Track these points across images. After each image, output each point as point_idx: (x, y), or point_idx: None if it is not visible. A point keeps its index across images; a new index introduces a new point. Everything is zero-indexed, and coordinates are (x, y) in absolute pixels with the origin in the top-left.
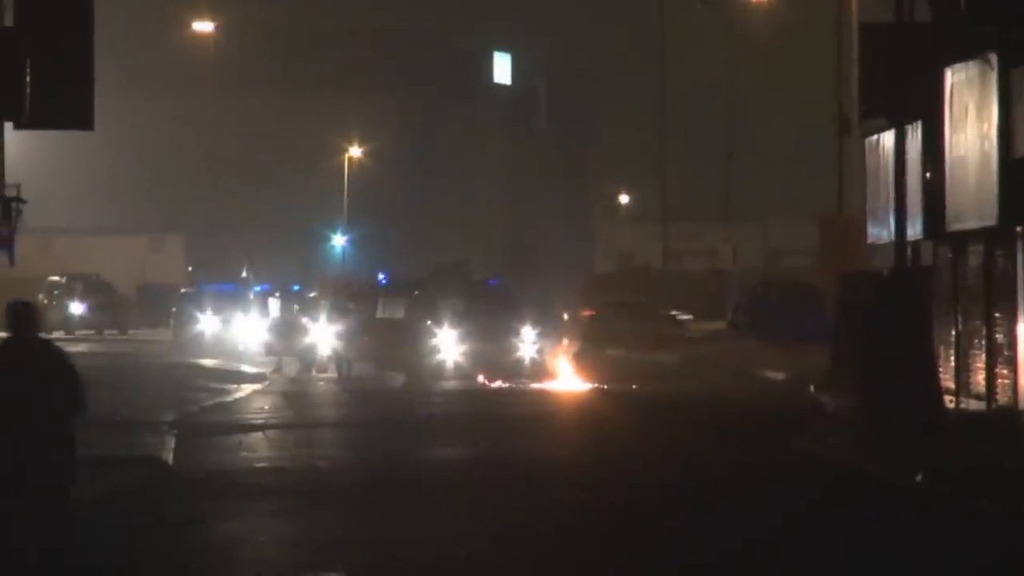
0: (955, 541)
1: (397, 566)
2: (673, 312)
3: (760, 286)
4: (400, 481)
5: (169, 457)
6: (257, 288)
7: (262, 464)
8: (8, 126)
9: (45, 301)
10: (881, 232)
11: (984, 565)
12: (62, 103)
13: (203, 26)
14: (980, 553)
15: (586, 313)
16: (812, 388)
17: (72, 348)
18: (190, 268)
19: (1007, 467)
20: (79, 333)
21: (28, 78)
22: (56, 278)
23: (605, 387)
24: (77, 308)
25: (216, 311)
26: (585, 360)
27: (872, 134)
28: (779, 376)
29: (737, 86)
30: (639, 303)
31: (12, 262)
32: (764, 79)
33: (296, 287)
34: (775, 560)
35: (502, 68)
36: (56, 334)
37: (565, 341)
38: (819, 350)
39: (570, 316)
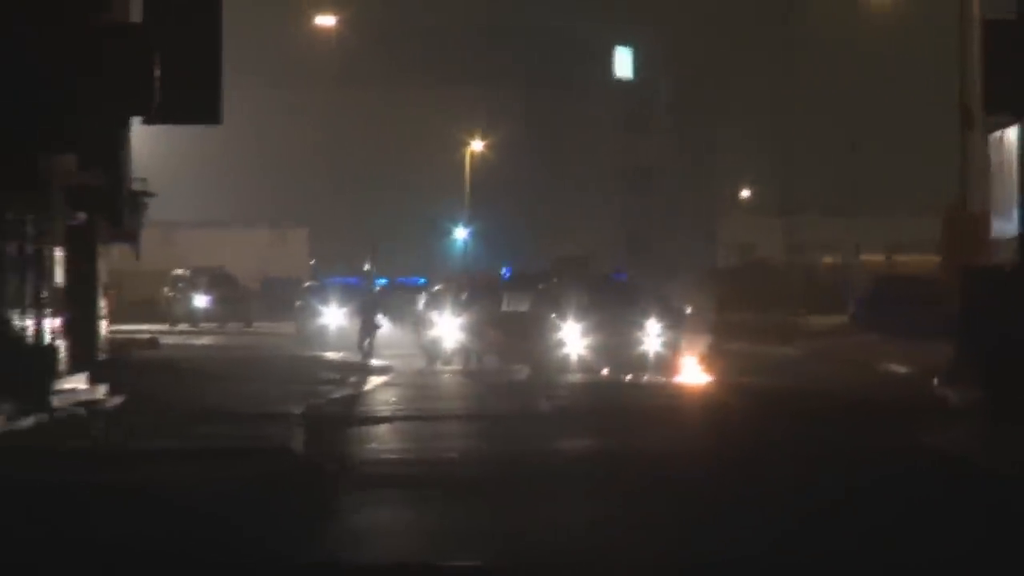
0: None
1: (531, 554)
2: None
3: (882, 280)
4: (528, 472)
5: (299, 448)
6: (381, 281)
7: (391, 455)
8: (135, 120)
9: (170, 294)
10: (1005, 227)
11: None
12: (190, 98)
13: (325, 20)
14: None
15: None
16: (936, 382)
17: (196, 341)
18: (312, 261)
19: None
20: (203, 326)
21: (157, 73)
22: (181, 271)
23: (729, 381)
24: (201, 301)
25: (340, 304)
26: (708, 354)
27: (996, 130)
28: (902, 369)
29: (860, 80)
30: (759, 296)
31: (138, 255)
32: (887, 73)
33: (422, 280)
34: (902, 541)
35: (623, 62)
36: (180, 326)
37: (688, 335)
38: (942, 345)
39: (693, 310)
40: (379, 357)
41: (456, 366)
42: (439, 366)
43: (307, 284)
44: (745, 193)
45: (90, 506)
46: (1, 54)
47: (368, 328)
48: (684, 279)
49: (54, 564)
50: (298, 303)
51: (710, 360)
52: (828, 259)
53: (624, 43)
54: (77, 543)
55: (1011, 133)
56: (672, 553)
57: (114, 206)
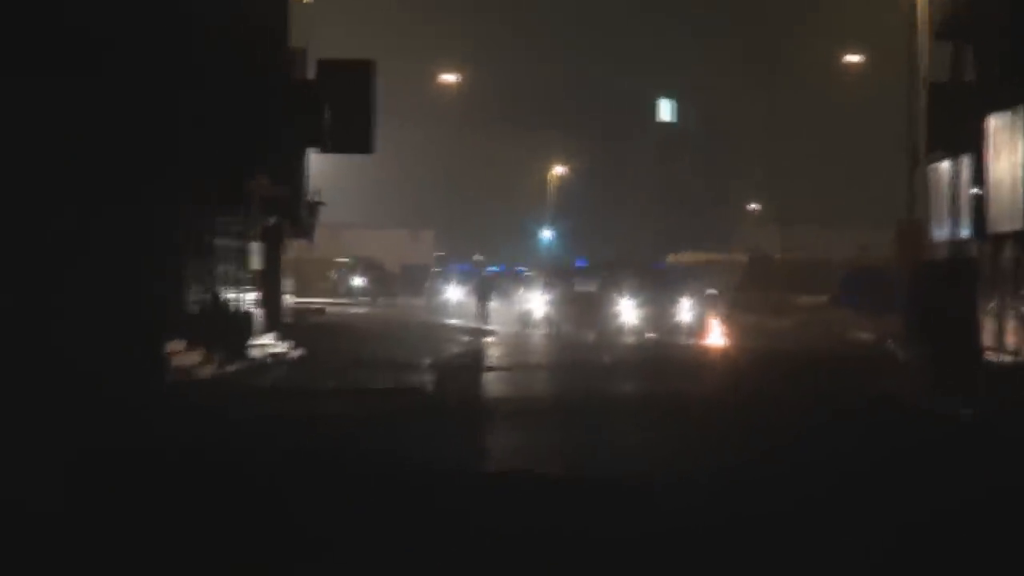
0: (981, 452)
1: (594, 463)
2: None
3: (853, 270)
4: (595, 407)
5: (429, 388)
6: (492, 268)
7: (495, 394)
8: (311, 153)
9: (335, 276)
10: (941, 233)
11: (1005, 465)
12: (350, 134)
13: (448, 77)
14: (1000, 459)
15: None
16: (889, 343)
17: (353, 310)
18: (436, 253)
19: None
20: (359, 299)
21: (328, 116)
22: (343, 259)
23: (739, 344)
24: (358, 281)
25: (457, 284)
26: (725, 323)
27: (935, 162)
28: (866, 336)
29: (835, 122)
30: (763, 282)
31: (312, 248)
32: (855, 116)
33: (522, 269)
34: (861, 454)
35: (665, 109)
36: (342, 300)
37: (710, 309)
38: (895, 317)
39: (714, 291)
40: (488, 323)
41: (543, 331)
42: (530, 330)
43: (434, 270)
44: (752, 206)
45: (280, 427)
46: (220, 102)
47: (484, 302)
48: (712, 269)
49: (258, 465)
50: (427, 284)
51: (726, 328)
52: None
53: (666, 95)
54: (266, 449)
55: (944, 165)
56: (691, 463)
57: (296, 212)
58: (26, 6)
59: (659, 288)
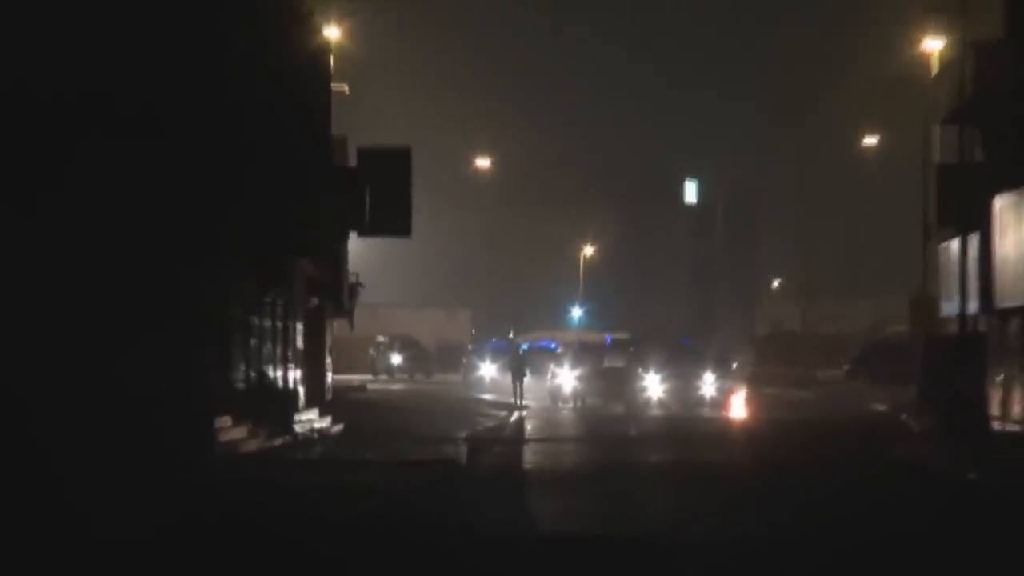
0: (988, 511)
1: (628, 527)
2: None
3: (869, 344)
4: (623, 476)
5: (463, 460)
6: (525, 346)
7: (528, 464)
8: (352, 234)
9: (374, 353)
10: (950, 307)
11: (1008, 525)
12: (390, 218)
13: (483, 161)
14: (1006, 518)
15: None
16: (904, 416)
17: (392, 387)
18: (473, 331)
19: None
20: (397, 376)
21: (368, 201)
22: (382, 338)
23: (762, 416)
24: (396, 359)
25: (492, 361)
26: (750, 396)
27: (944, 240)
28: (882, 407)
29: (856, 203)
30: (785, 356)
31: (352, 327)
32: (874, 197)
33: (554, 345)
34: (877, 516)
35: (690, 191)
36: (381, 376)
37: (735, 382)
38: (909, 389)
39: (739, 365)
40: (521, 399)
41: (572, 405)
42: (560, 405)
43: (470, 347)
44: (775, 283)
45: (321, 495)
46: (268, 188)
47: (518, 378)
48: (733, 343)
49: (305, 534)
50: (464, 360)
51: (750, 400)
52: (833, 329)
53: (690, 176)
54: (313, 519)
55: (954, 243)
56: (718, 527)
57: (337, 294)
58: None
59: (685, 363)
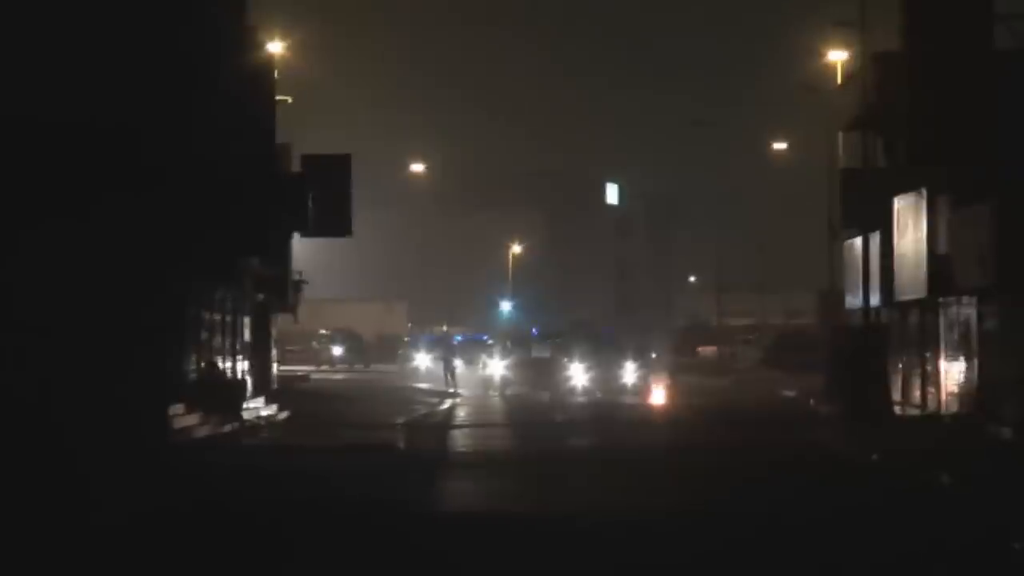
0: (888, 491)
1: (550, 508)
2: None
3: (781, 336)
4: (550, 459)
5: (402, 445)
6: (458, 338)
7: (461, 448)
8: (296, 235)
9: (316, 346)
10: (854, 301)
11: (901, 501)
12: (331, 220)
13: (417, 167)
14: (901, 496)
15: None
16: (812, 401)
17: (334, 376)
18: (409, 324)
19: (930, 449)
20: (338, 367)
21: (311, 204)
22: (324, 331)
23: (680, 402)
24: (337, 350)
25: (428, 351)
26: (669, 384)
27: (848, 239)
28: (792, 393)
29: (765, 202)
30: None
31: (296, 321)
32: (783, 197)
33: (485, 336)
34: (779, 490)
35: (612, 193)
36: (323, 367)
37: (654, 371)
38: (817, 377)
39: (658, 355)
40: (453, 387)
41: (502, 393)
42: (491, 393)
43: (406, 339)
44: (692, 278)
45: (271, 479)
46: (219, 195)
47: (449, 368)
48: (653, 335)
49: (252, 511)
50: (400, 352)
51: (669, 388)
52: (746, 322)
53: (612, 180)
54: (266, 501)
55: (857, 242)
56: (641, 505)
57: (282, 290)
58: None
59: (607, 353)
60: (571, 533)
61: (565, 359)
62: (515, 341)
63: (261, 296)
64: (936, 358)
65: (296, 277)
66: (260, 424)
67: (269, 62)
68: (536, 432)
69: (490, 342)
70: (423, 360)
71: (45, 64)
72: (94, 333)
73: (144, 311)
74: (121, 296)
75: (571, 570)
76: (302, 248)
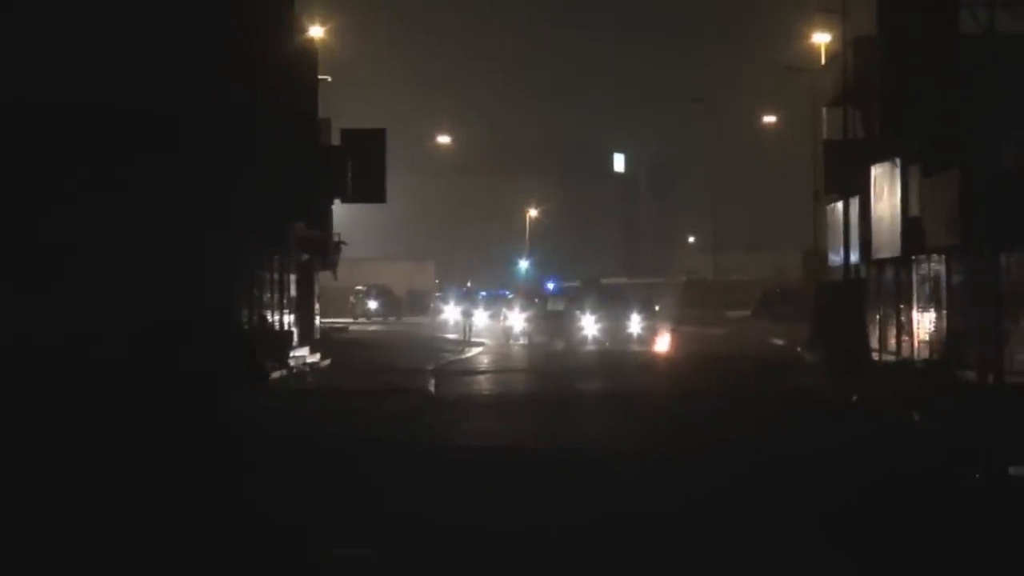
0: (864, 427)
1: (564, 444)
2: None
3: (770, 289)
4: (562, 401)
5: (432, 389)
6: (482, 293)
7: (485, 392)
8: (336, 201)
9: (354, 300)
10: (836, 259)
11: (878, 441)
12: (367, 187)
13: (443, 138)
14: (878, 436)
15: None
16: (799, 349)
17: (369, 328)
18: (437, 280)
19: (903, 390)
20: (373, 319)
21: (349, 174)
22: (360, 287)
23: (681, 350)
24: (372, 304)
25: (456, 305)
26: (671, 333)
27: (830, 203)
28: (780, 342)
29: (758, 168)
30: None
31: (336, 278)
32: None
33: (507, 292)
34: (769, 430)
35: (618, 162)
36: (360, 320)
37: (658, 322)
38: (802, 327)
39: (661, 307)
40: (478, 337)
41: (521, 342)
42: (511, 342)
43: (436, 294)
44: (691, 239)
45: (319, 418)
46: (270, 166)
47: (468, 317)
48: (656, 289)
49: (301, 449)
50: (431, 305)
51: (671, 337)
52: (740, 278)
53: (618, 150)
54: (317, 437)
55: (839, 206)
56: (649, 444)
57: (324, 250)
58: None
59: (615, 306)
60: (578, 463)
61: (577, 312)
62: (533, 296)
63: (305, 256)
64: (909, 310)
65: (336, 239)
66: (305, 370)
67: (312, 45)
68: (551, 377)
69: (510, 296)
70: (452, 312)
71: (114, 50)
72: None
73: (212, 267)
74: (185, 256)
75: (573, 490)
76: (341, 213)
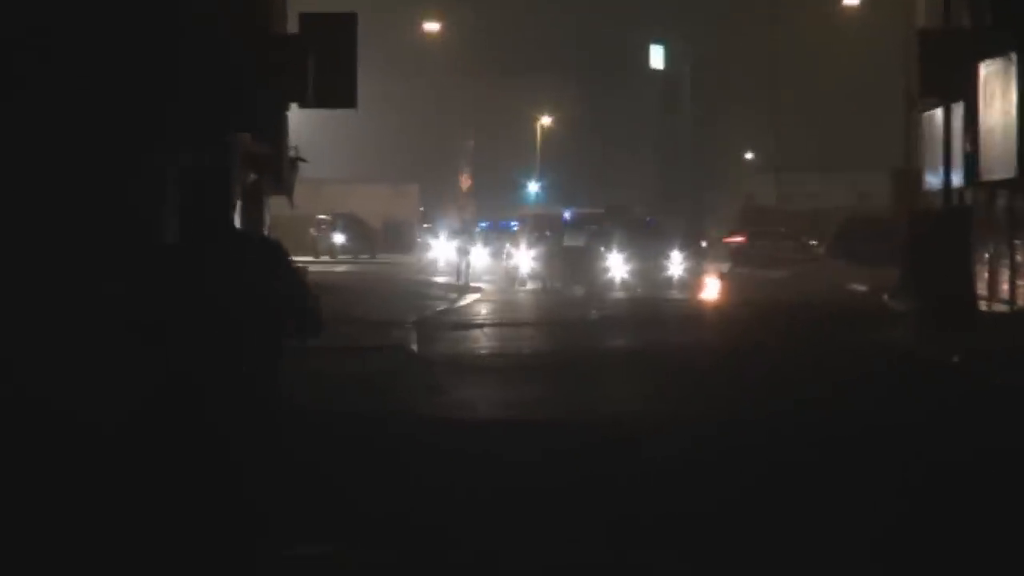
0: (967, 395)
1: (581, 417)
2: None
3: (849, 221)
4: (580, 361)
5: (414, 346)
6: (482, 224)
7: (482, 351)
8: (294, 106)
9: (315, 233)
10: (934, 181)
11: (978, 406)
12: (333, 89)
13: (431, 25)
14: (982, 400)
15: (725, 240)
16: (886, 296)
17: (336, 268)
18: (422, 209)
19: (1020, 351)
20: (340, 257)
21: (310, 71)
22: (323, 216)
23: (731, 298)
24: (339, 238)
25: (448, 240)
26: (719, 277)
27: (928, 110)
28: (862, 288)
29: (833, 69)
30: (764, 233)
31: (292, 205)
32: (853, 64)
33: (513, 224)
34: (854, 397)
35: (656, 56)
36: (323, 258)
37: (706, 262)
38: (890, 269)
39: (708, 243)
40: (476, 281)
41: (529, 287)
42: (517, 287)
43: (422, 227)
44: (748, 155)
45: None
46: (200, 61)
47: (463, 256)
48: (703, 221)
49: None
50: (416, 240)
51: (720, 282)
52: (810, 205)
53: (656, 41)
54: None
55: (938, 113)
56: (683, 414)
57: (277, 169)
58: None
59: (650, 242)
60: (595, 444)
61: (602, 248)
62: (545, 228)
63: (253, 176)
64: None
65: (293, 154)
66: None
67: None
68: (567, 332)
69: (516, 229)
70: (443, 250)
71: None
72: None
73: (116, 195)
74: (94, 180)
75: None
76: (300, 121)
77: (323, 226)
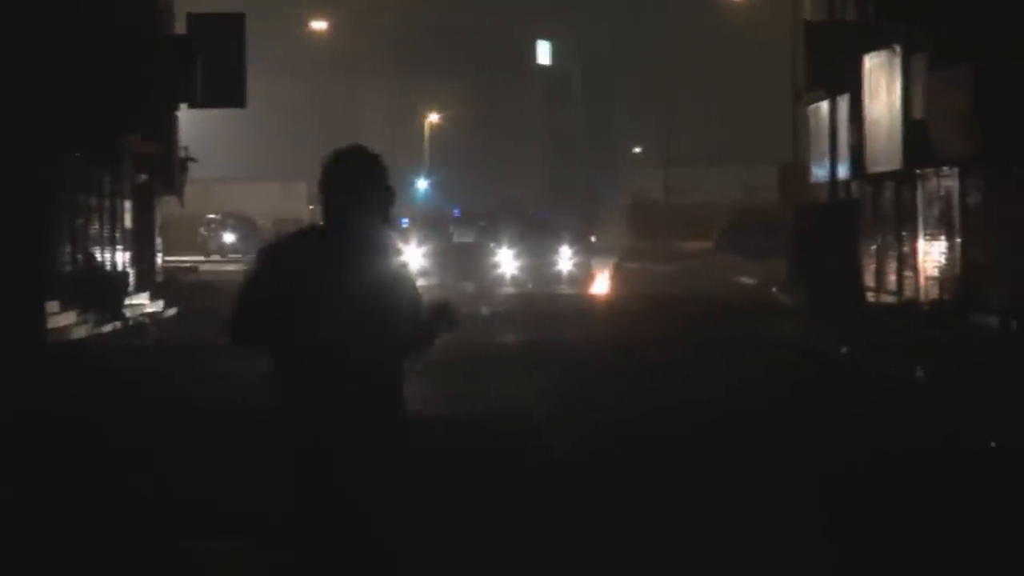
0: (855, 386)
1: (477, 408)
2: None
3: (737, 215)
4: (473, 357)
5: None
6: None
7: None
8: (183, 106)
9: (205, 233)
10: (821, 173)
11: (869, 399)
12: (222, 89)
13: (319, 24)
14: (872, 393)
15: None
16: (774, 289)
17: (225, 268)
18: (311, 207)
19: (907, 341)
20: (230, 256)
21: (199, 71)
22: (213, 216)
23: (620, 292)
24: (228, 238)
25: None
26: (609, 271)
27: (814, 103)
28: (750, 281)
29: (720, 64)
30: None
31: (182, 204)
32: (739, 58)
33: (404, 221)
34: (745, 391)
35: (543, 52)
36: (213, 257)
37: (595, 257)
38: (778, 262)
39: (597, 239)
40: None
41: (420, 284)
42: None
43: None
44: (637, 149)
45: (161, 380)
46: (88, 59)
47: None
48: (592, 216)
49: (137, 415)
50: None
51: (610, 276)
52: (699, 200)
53: (543, 37)
54: (152, 400)
55: (824, 105)
56: (576, 409)
57: (167, 169)
58: None
59: (540, 237)
60: (492, 437)
61: (492, 244)
62: (433, 225)
63: (143, 177)
64: (914, 238)
65: (183, 154)
66: (145, 322)
67: None
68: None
69: (406, 226)
70: None
71: None
72: None
73: (7, 197)
74: None
75: (486, 473)
76: (189, 121)
77: (212, 225)
